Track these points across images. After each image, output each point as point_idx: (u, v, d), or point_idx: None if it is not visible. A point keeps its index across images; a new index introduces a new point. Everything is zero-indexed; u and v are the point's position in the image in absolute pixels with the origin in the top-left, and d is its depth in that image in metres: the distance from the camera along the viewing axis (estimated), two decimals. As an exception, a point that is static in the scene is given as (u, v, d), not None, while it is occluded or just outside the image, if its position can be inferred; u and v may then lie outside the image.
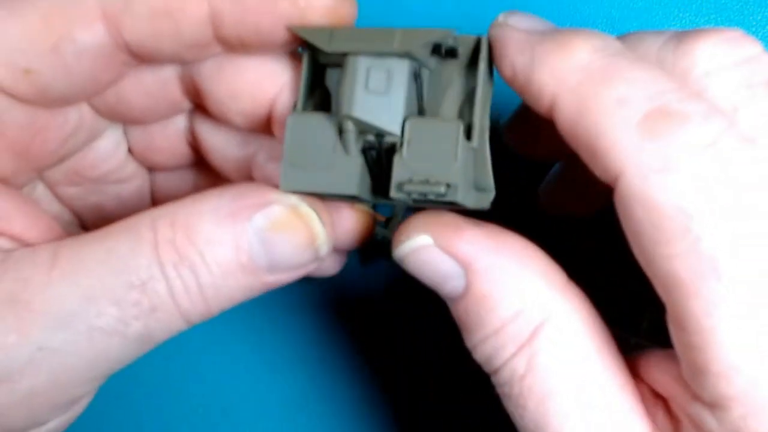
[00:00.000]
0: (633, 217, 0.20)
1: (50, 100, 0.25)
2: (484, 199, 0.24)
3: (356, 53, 0.23)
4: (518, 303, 0.22)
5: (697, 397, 0.20)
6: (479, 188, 0.24)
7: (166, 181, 0.32)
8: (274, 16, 0.23)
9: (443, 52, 0.24)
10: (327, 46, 0.23)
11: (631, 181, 0.20)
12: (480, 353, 0.23)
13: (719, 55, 0.22)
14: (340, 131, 0.23)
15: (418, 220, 0.24)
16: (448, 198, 0.22)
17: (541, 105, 0.22)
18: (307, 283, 0.32)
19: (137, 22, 0.23)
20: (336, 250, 0.28)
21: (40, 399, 0.22)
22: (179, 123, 0.29)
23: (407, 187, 0.22)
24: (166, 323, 0.23)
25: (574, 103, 0.21)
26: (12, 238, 0.24)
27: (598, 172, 0.21)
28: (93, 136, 0.28)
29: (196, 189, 0.31)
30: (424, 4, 0.37)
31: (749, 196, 0.19)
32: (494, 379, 0.23)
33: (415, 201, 0.23)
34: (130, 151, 0.30)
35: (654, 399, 0.23)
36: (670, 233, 0.19)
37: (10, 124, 0.25)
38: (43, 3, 0.23)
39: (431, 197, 0.22)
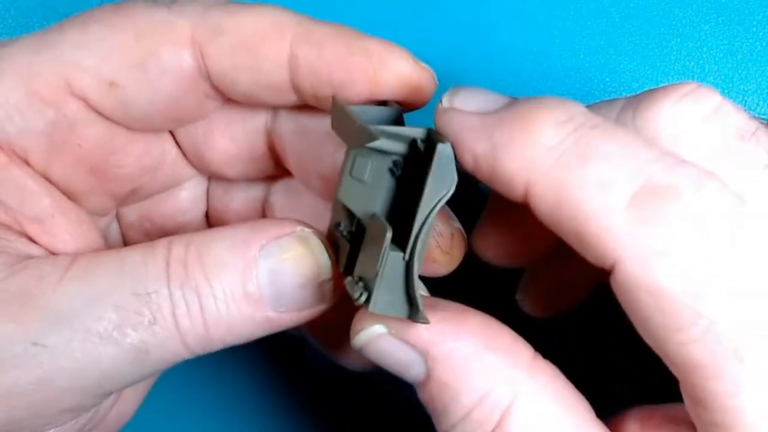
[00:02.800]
0: (638, 303, 0.19)
1: (131, 118, 0.25)
2: (417, 314, 0.22)
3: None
4: (482, 387, 0.21)
5: None
6: (409, 302, 0.22)
7: None
8: (347, 68, 0.23)
9: (421, 149, 0.22)
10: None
11: (630, 267, 0.19)
12: None
13: (683, 116, 0.21)
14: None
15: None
16: (364, 305, 0.21)
17: (514, 194, 0.20)
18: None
19: (221, 51, 0.24)
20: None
21: (22, 398, 0.22)
22: (258, 191, 0.29)
23: (348, 285, 0.22)
24: (164, 341, 0.22)
25: (552, 190, 0.20)
26: (49, 252, 0.24)
27: (589, 258, 0.20)
28: (174, 181, 0.28)
29: None
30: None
31: (757, 267, 0.18)
32: None
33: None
34: (207, 215, 0.30)
35: None
36: (682, 320, 0.18)
37: (89, 137, 0.25)
38: (140, 22, 0.24)
39: (355, 302, 0.22)
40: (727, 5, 0.35)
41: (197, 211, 0.30)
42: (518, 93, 0.36)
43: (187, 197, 0.29)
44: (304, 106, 0.26)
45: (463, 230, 0.26)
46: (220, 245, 0.23)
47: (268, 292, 0.23)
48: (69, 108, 0.24)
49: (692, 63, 0.36)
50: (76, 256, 0.23)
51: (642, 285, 0.19)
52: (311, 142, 0.26)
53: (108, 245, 0.29)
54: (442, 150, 0.21)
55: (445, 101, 0.22)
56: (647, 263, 0.18)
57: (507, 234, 0.27)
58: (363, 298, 0.21)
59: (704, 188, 0.19)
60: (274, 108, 0.27)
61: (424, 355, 0.22)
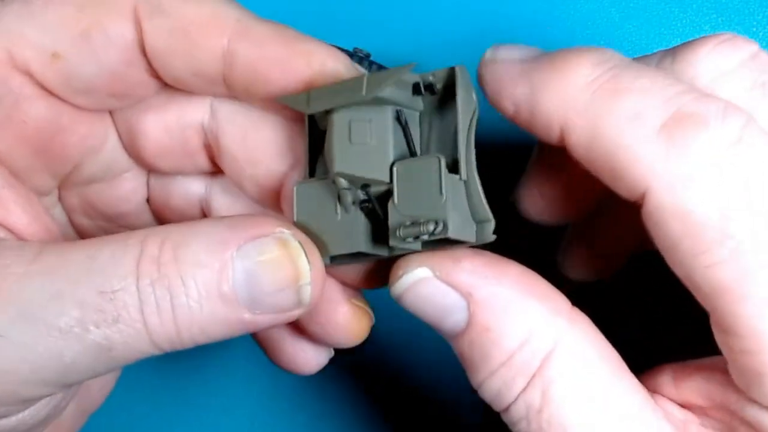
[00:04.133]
0: (667, 230, 0.19)
1: (74, 91, 0.25)
2: (486, 231, 0.23)
3: (335, 109, 0.22)
4: (523, 332, 0.21)
5: (754, 401, 0.20)
6: (478, 221, 0.23)
7: None
8: (285, 70, 0.23)
9: (422, 89, 0.23)
10: (306, 109, 0.22)
11: (660, 194, 0.19)
12: (488, 390, 0.22)
13: (721, 59, 0.21)
14: (339, 192, 0.23)
15: (415, 255, 0.23)
16: (440, 235, 0.21)
17: (551, 134, 0.21)
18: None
19: (158, 32, 0.24)
20: (323, 343, 0.28)
21: None
22: (197, 187, 0.29)
23: (401, 232, 0.22)
24: (129, 338, 0.22)
25: (587, 124, 0.20)
26: (7, 228, 0.24)
27: (622, 191, 0.20)
28: (115, 171, 0.28)
29: None
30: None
31: None
32: (506, 417, 0.22)
33: (421, 245, 0.23)
34: (148, 201, 0.30)
35: (682, 413, 0.22)
36: (709, 241, 0.19)
37: (34, 114, 0.25)
38: None
39: (425, 237, 0.21)
40: (727, 5, 0.35)
41: (138, 199, 0.30)
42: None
43: (128, 187, 0.29)
44: (244, 108, 0.26)
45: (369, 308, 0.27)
46: (197, 244, 0.22)
47: (243, 294, 0.22)
48: (13, 82, 0.24)
49: (692, 63, 0.36)
50: (42, 247, 0.22)
51: (670, 210, 0.19)
52: (248, 146, 0.26)
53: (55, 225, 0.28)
54: (461, 70, 0.23)
55: (489, 54, 0.23)
56: (675, 188, 0.19)
57: (550, 189, 0.28)
58: (439, 228, 0.21)
59: (730, 117, 0.19)
60: (212, 105, 0.27)
61: (467, 297, 0.22)
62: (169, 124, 0.27)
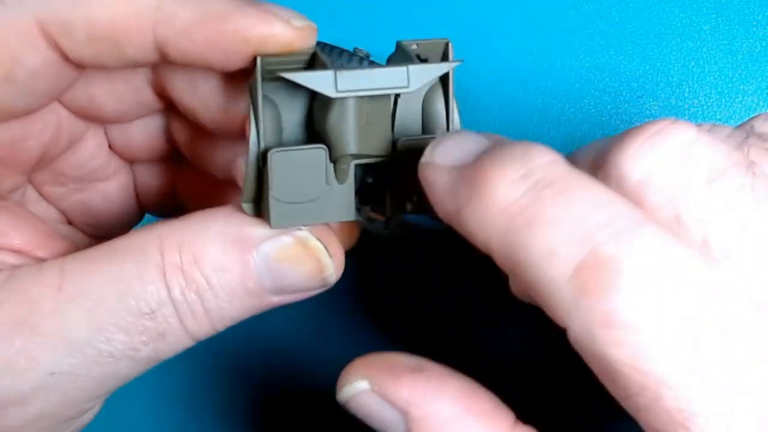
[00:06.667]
0: (591, 367, 0.19)
1: (19, 115, 0.25)
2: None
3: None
4: None
5: None
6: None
7: (149, 173, 0.31)
8: (226, 56, 0.23)
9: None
10: (334, 93, 0.22)
11: (576, 337, 0.18)
12: None
13: (648, 156, 0.20)
14: (334, 163, 0.23)
15: (359, 363, 0.23)
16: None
17: (481, 250, 0.20)
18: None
19: (78, 45, 0.23)
20: None
21: (50, 418, 0.23)
22: (157, 120, 0.29)
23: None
24: (174, 344, 0.23)
25: (504, 253, 0.19)
26: (13, 251, 0.24)
27: (551, 317, 0.20)
28: (75, 139, 0.28)
29: (179, 181, 0.31)
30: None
31: (706, 334, 0.18)
32: None
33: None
34: (111, 147, 0.30)
35: None
36: (628, 389, 0.18)
37: None
38: None
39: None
40: (727, 5, 0.35)
41: (103, 152, 0.29)
42: (518, 94, 0.37)
43: (90, 146, 0.29)
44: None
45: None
46: (215, 246, 0.23)
47: (269, 285, 0.23)
48: None
49: (692, 63, 0.36)
50: (62, 268, 0.23)
51: (588, 353, 0.18)
52: (201, 94, 0.26)
53: (31, 207, 0.29)
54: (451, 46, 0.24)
55: (427, 154, 0.22)
56: (591, 334, 0.18)
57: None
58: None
59: (650, 257, 0.18)
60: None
61: (404, 414, 0.22)
62: (120, 94, 0.26)
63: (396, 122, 0.25)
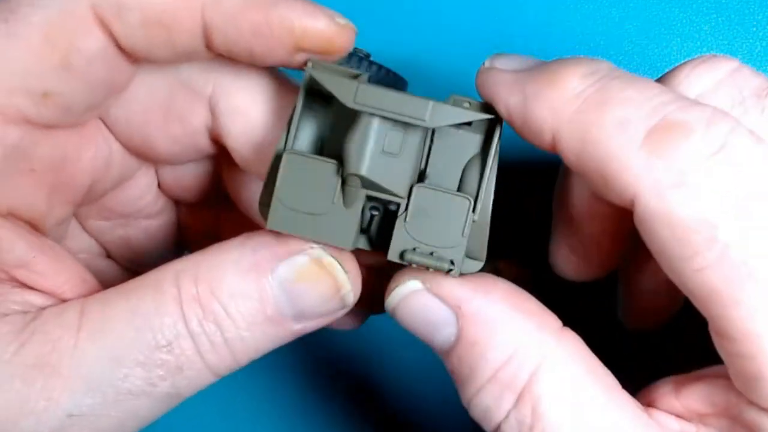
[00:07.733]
0: (656, 235, 0.20)
1: (75, 117, 0.25)
2: (470, 267, 0.24)
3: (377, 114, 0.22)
4: (509, 347, 0.22)
5: (753, 403, 0.20)
6: (471, 256, 0.24)
7: (194, 213, 0.32)
8: (268, 43, 0.23)
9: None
10: (352, 104, 0.22)
11: (647, 201, 0.20)
12: (477, 407, 0.22)
13: (701, 79, 0.22)
14: (344, 182, 0.23)
15: (408, 269, 0.23)
16: (451, 274, 0.22)
17: (543, 141, 0.22)
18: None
19: (130, 29, 0.23)
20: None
21: None
22: (207, 163, 0.29)
23: (409, 257, 0.22)
24: (194, 380, 0.22)
25: (576, 133, 0.21)
26: (45, 293, 0.24)
27: (612, 197, 0.21)
28: (126, 176, 0.28)
29: (224, 223, 0.31)
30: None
31: (766, 193, 0.19)
32: None
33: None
34: (159, 186, 0.30)
35: (679, 424, 0.22)
36: (697, 246, 0.19)
37: (40, 157, 0.24)
38: (37, 20, 0.22)
39: (432, 269, 0.22)
40: (727, 5, 0.35)
41: (152, 191, 0.30)
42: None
43: (141, 185, 0.29)
44: (241, 102, 0.26)
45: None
46: (230, 274, 0.22)
47: (288, 311, 0.23)
48: (10, 136, 0.23)
49: (692, 63, 0.36)
50: (82, 308, 0.22)
51: (658, 216, 0.19)
52: (251, 140, 0.26)
53: (72, 240, 0.29)
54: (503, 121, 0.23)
55: (487, 63, 0.24)
56: (662, 195, 0.19)
57: (577, 248, 0.28)
58: (454, 269, 0.22)
59: (716, 123, 0.20)
60: (210, 103, 0.26)
61: (456, 311, 0.22)
62: (177, 138, 0.27)
63: (430, 168, 0.24)
